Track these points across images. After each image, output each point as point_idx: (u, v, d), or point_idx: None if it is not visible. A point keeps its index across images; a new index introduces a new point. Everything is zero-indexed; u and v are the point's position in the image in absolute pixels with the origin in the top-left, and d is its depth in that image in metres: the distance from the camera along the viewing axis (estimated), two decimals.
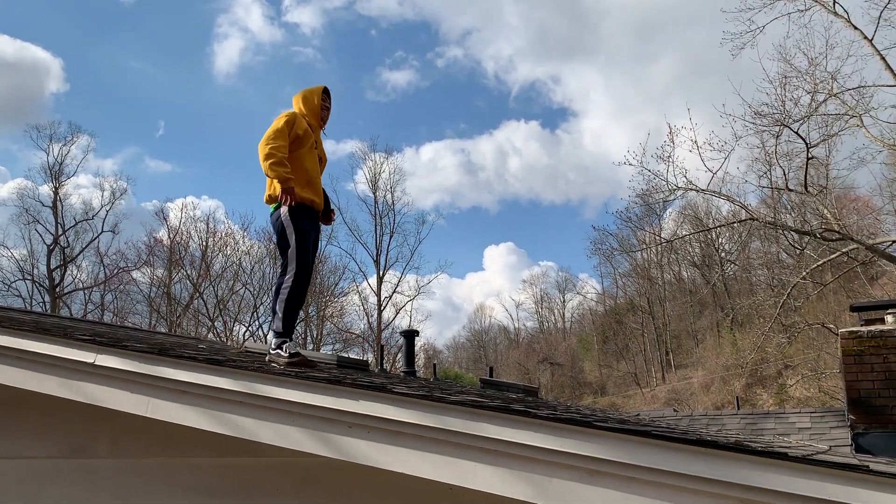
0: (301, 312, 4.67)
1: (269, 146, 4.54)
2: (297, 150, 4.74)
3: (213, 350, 5.06)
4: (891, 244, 17.02)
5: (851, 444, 7.43)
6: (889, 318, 7.83)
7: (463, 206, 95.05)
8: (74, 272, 44.95)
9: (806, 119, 18.20)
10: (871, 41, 17.51)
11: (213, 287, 43.66)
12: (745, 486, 2.40)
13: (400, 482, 2.99)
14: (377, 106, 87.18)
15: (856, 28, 17.89)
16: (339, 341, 44.10)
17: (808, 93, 18.29)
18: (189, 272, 44.06)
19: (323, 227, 5.22)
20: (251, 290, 43.90)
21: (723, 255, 54.76)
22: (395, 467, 2.87)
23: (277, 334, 4.47)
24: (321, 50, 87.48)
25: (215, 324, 42.51)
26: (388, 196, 49.66)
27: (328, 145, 5.35)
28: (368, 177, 50.16)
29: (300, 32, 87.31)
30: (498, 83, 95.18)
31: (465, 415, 2.74)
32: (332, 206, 5.23)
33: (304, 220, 4.67)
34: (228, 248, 45.69)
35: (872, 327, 7.76)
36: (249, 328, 43.00)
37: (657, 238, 30.21)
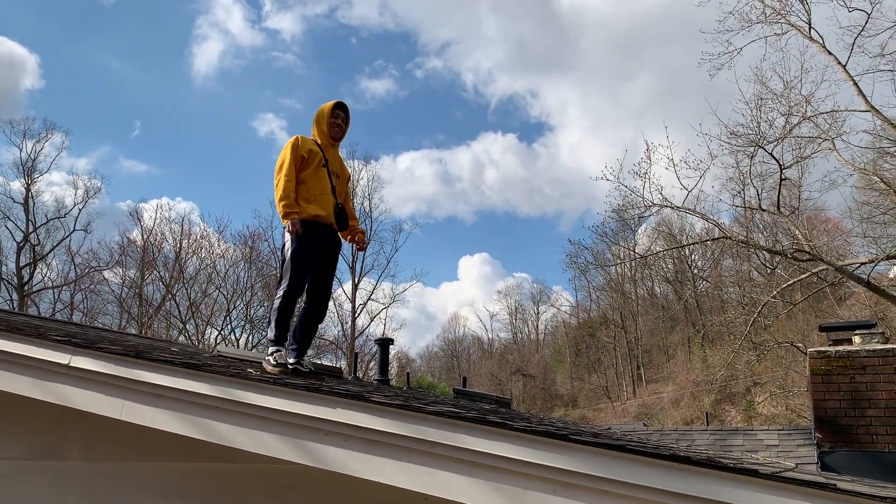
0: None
1: (277, 181, 4.83)
2: (302, 171, 4.92)
3: (186, 353, 5.02)
4: (859, 266, 17.32)
5: (817, 463, 7.55)
6: (856, 339, 7.98)
7: (439, 215, 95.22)
8: (44, 270, 44.20)
9: (780, 141, 18.51)
10: (844, 67, 17.88)
11: (186, 289, 43.16)
12: (716, 502, 2.44)
13: (375, 491, 2.99)
14: (355, 114, 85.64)
15: (830, 53, 18.26)
16: (312, 347, 43.77)
17: (783, 115, 18.61)
18: (162, 273, 43.54)
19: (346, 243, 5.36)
20: (224, 293, 43.47)
21: (696, 271, 55.41)
22: (371, 476, 2.87)
23: (271, 342, 4.75)
24: (301, 56, 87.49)
25: (187, 326, 42.02)
26: (366, 203, 49.60)
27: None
28: None
29: (280, 38, 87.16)
30: (476, 95, 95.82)
31: (442, 425, 2.76)
32: (358, 224, 5.37)
33: (306, 237, 4.82)
34: (203, 250, 45.23)
35: (840, 347, 7.91)
36: (221, 332, 42.55)
37: (631, 253, 30.47)
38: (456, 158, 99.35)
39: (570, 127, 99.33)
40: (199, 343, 38.26)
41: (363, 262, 47.75)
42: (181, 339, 38.77)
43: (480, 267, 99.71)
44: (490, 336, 77.77)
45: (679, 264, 55.75)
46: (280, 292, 4.84)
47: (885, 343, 7.87)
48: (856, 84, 17.76)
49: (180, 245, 44.87)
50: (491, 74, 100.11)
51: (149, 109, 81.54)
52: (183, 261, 44.23)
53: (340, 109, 5.19)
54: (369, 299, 47.37)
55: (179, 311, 42.65)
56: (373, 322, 47.37)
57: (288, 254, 4.83)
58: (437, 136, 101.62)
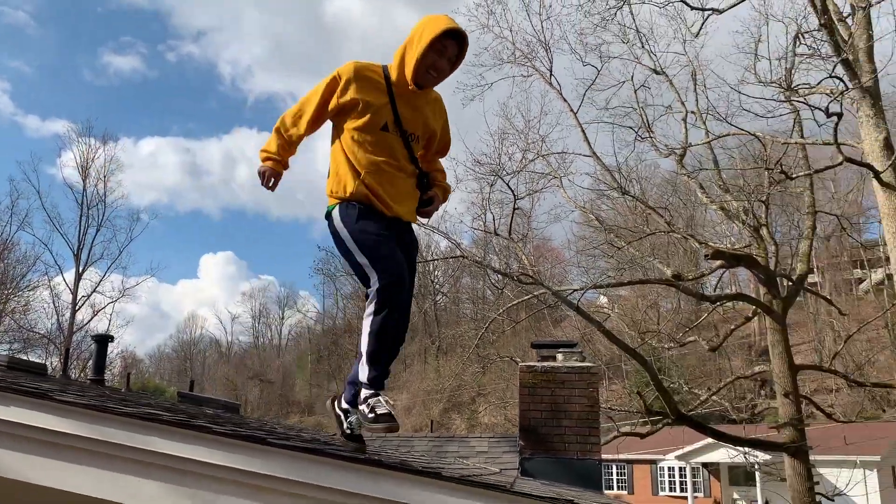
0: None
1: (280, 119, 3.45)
2: (344, 123, 3.36)
3: None
4: (572, 292, 19.37)
5: (519, 468, 8.29)
6: (559, 356, 8.92)
7: (182, 208, 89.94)
8: None
9: (516, 173, 20.15)
10: (575, 114, 19.99)
11: None
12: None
13: (63, 500, 2.73)
14: (93, 88, 79.78)
15: (565, 100, 20.31)
16: (19, 340, 38.76)
17: (521, 150, 20.30)
18: None
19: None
20: None
21: (437, 286, 58.37)
22: (50, 482, 2.63)
23: (365, 385, 3.19)
24: (35, 16, 78.09)
25: None
26: (100, 186, 45.34)
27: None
28: (78, 161, 45.30)
29: None
30: (234, 89, 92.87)
31: (132, 427, 2.61)
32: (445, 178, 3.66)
33: (361, 223, 3.21)
34: None
35: (546, 363, 8.79)
36: None
37: None
38: (206, 150, 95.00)
39: (329, 135, 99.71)
40: None
41: (90, 250, 43.58)
42: None
43: (224, 266, 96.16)
44: (230, 339, 75.08)
45: (422, 278, 58.32)
46: (374, 304, 3.10)
47: (582, 361, 8.90)
48: (583, 131, 19.91)
49: None
50: (250, 70, 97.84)
51: None
52: None
53: (452, 39, 3.23)
54: (94, 291, 43.14)
55: None
56: (96, 317, 43.17)
57: (355, 249, 3.19)
58: (187, 124, 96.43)
